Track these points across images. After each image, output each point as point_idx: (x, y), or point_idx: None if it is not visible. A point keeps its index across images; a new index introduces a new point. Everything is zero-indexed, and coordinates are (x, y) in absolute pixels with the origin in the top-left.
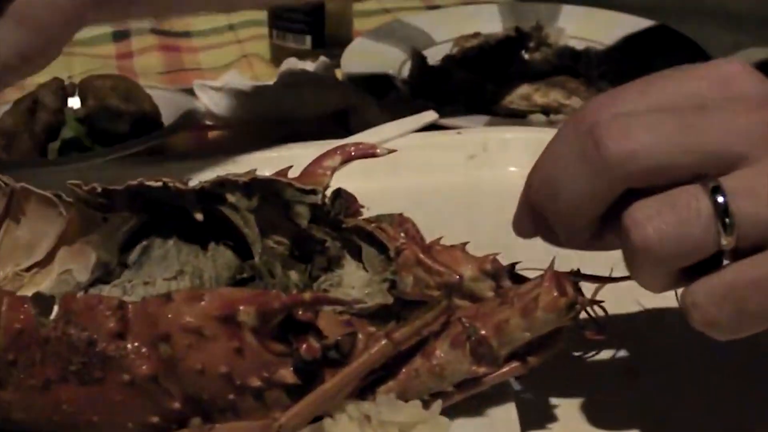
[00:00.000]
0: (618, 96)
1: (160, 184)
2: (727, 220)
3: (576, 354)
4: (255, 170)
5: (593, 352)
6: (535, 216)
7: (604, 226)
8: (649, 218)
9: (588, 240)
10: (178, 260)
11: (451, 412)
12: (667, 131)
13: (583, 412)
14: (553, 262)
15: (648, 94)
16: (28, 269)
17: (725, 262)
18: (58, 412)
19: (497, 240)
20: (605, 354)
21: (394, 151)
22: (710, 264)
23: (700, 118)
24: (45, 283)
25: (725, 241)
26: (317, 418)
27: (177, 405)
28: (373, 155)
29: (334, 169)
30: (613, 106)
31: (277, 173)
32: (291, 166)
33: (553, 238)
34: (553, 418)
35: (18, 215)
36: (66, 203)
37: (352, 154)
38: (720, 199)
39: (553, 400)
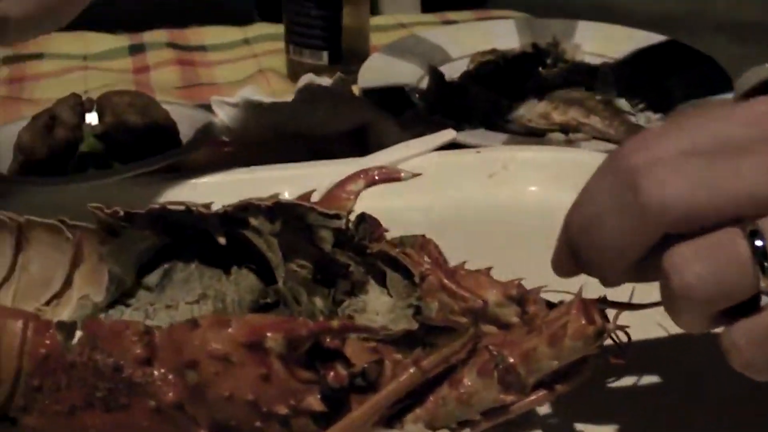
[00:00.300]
0: (653, 139)
1: (182, 208)
2: (765, 263)
3: (599, 379)
4: (278, 194)
5: (616, 377)
6: (573, 256)
7: (643, 266)
8: (688, 262)
9: (626, 279)
10: (200, 284)
11: None
12: (704, 177)
13: None
14: (581, 290)
15: (682, 138)
16: (47, 302)
17: (764, 302)
18: None
19: (519, 261)
20: (628, 379)
21: (418, 175)
22: (750, 305)
23: (736, 160)
24: (66, 311)
25: (764, 284)
26: None
27: None
28: (397, 179)
29: (357, 193)
30: (649, 149)
31: (300, 197)
32: (314, 190)
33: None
34: None
35: (28, 249)
36: (71, 227)
37: (376, 178)
38: (758, 243)
39: (578, 426)
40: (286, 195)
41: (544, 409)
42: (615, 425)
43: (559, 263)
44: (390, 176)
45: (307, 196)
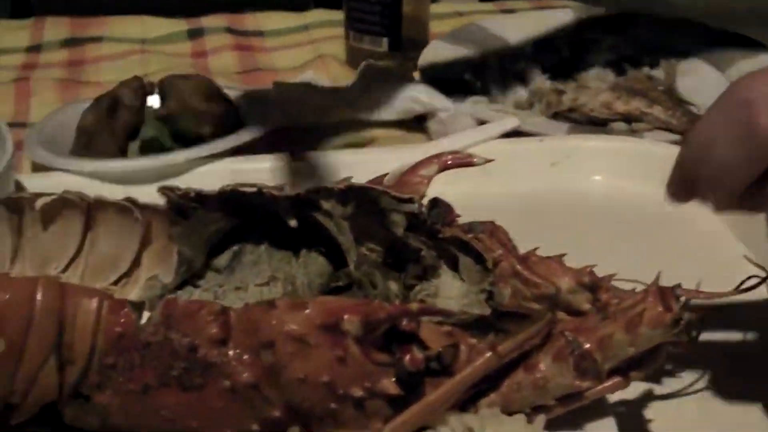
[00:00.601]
0: None
1: (254, 189)
2: None
3: (667, 367)
4: (351, 178)
5: (684, 365)
6: (687, 181)
7: (752, 194)
8: None
9: (737, 203)
10: (270, 266)
11: (549, 427)
12: None
13: (676, 425)
14: (658, 277)
15: None
16: (116, 282)
17: None
18: (156, 418)
19: (584, 249)
20: (697, 367)
21: (491, 160)
22: None
23: None
24: (134, 291)
25: None
26: (419, 430)
27: (277, 413)
28: (470, 164)
29: (430, 178)
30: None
31: (373, 181)
32: (386, 174)
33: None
34: None
35: (97, 229)
36: (141, 207)
37: (449, 163)
38: None
39: (648, 414)
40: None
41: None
42: (684, 412)
43: (674, 188)
44: (463, 161)
45: (379, 180)
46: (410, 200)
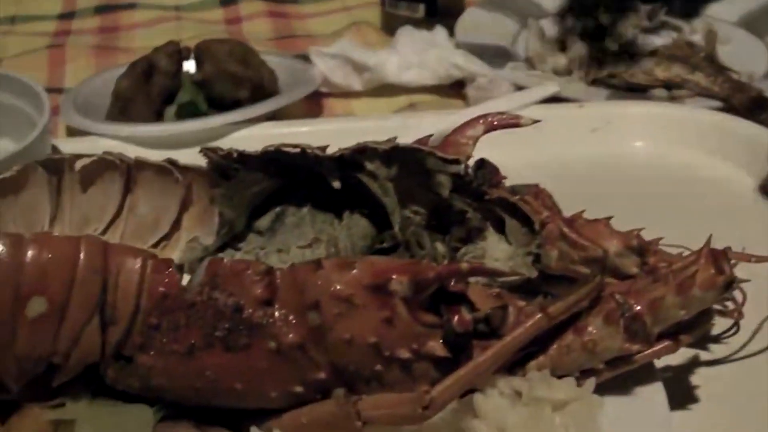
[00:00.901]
0: None
1: (298, 150)
2: None
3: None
4: (395, 138)
5: (732, 331)
6: None
7: None
8: None
9: None
10: (312, 228)
11: (598, 391)
12: None
13: (723, 391)
14: (709, 239)
15: None
16: (156, 244)
17: None
18: (200, 379)
19: (629, 214)
20: (743, 333)
21: (538, 121)
22: None
23: None
24: (175, 253)
25: None
26: (466, 392)
27: (322, 375)
28: (517, 125)
29: (476, 139)
30: None
31: (418, 141)
32: (431, 135)
33: None
34: (695, 399)
35: (137, 191)
36: (181, 168)
37: (495, 124)
38: None
39: (695, 380)
40: None
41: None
42: (730, 378)
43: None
44: (509, 122)
45: (424, 140)
46: (456, 161)
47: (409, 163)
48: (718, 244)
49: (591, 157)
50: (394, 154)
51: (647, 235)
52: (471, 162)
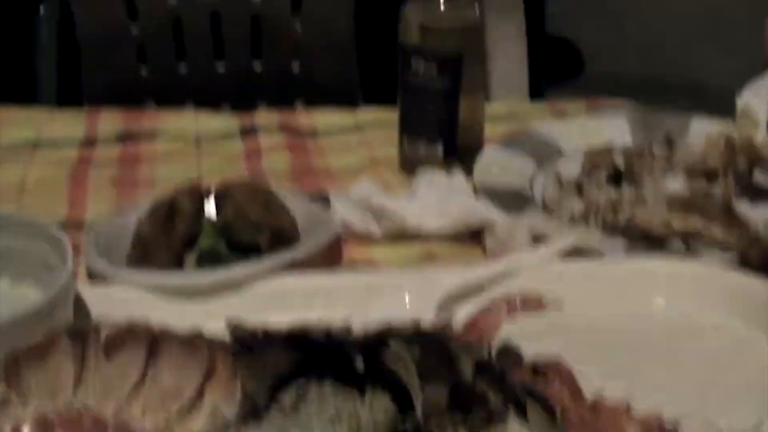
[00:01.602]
0: None
1: (323, 334)
2: None
3: None
4: (419, 320)
5: None
6: None
7: None
8: None
9: None
10: (334, 404)
11: None
12: None
13: None
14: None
15: None
16: (177, 412)
17: None
18: None
19: (652, 382)
20: None
21: (560, 302)
22: None
23: None
24: (196, 422)
25: None
26: None
27: None
28: (540, 307)
29: (500, 323)
30: None
31: (441, 323)
32: (453, 316)
33: None
34: None
35: (161, 359)
36: (207, 342)
37: (519, 308)
38: None
39: None
40: (406, 299)
41: None
42: None
43: None
44: (533, 306)
45: (448, 323)
46: (479, 347)
47: (433, 345)
48: (738, 417)
49: (612, 314)
50: (417, 337)
51: (667, 404)
52: (494, 344)
